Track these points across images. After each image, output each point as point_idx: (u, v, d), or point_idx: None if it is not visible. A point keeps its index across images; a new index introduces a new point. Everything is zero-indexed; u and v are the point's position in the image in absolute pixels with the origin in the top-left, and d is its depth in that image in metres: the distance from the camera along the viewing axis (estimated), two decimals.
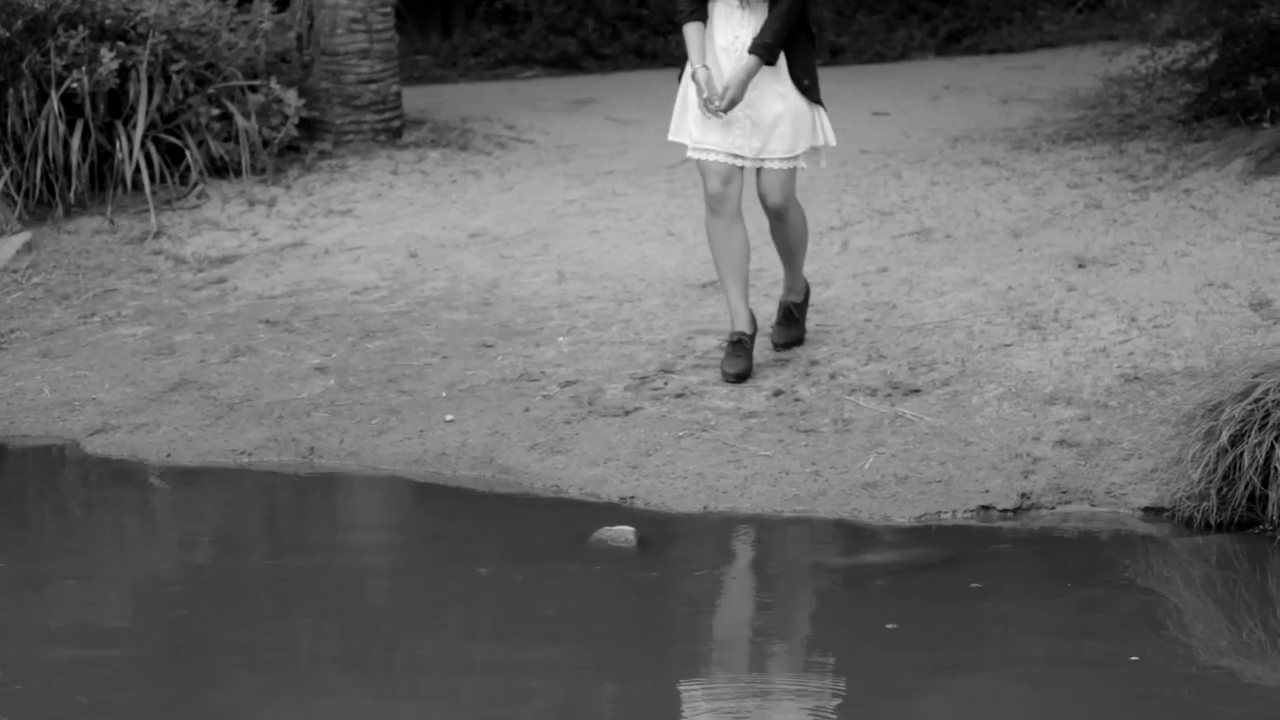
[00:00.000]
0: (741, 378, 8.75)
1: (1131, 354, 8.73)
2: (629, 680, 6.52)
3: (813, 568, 7.52)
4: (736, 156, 8.48)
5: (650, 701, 6.27)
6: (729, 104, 8.35)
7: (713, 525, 7.93)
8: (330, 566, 7.76)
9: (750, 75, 8.35)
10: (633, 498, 8.15)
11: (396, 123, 12.59)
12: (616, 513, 8.02)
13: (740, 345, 8.79)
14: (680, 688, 6.42)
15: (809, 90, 8.45)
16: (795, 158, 8.50)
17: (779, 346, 9.04)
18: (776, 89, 8.43)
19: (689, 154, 8.58)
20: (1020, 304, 9.32)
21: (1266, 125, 10.73)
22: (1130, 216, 10.19)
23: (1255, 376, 7.65)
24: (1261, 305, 8.98)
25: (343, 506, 8.47)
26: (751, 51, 8.35)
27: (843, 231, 10.50)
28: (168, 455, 8.87)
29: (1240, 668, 6.52)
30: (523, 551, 7.73)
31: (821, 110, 8.55)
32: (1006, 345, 8.94)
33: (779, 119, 8.42)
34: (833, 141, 8.62)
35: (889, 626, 6.83)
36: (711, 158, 8.50)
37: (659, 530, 7.88)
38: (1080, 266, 9.63)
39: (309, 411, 9.02)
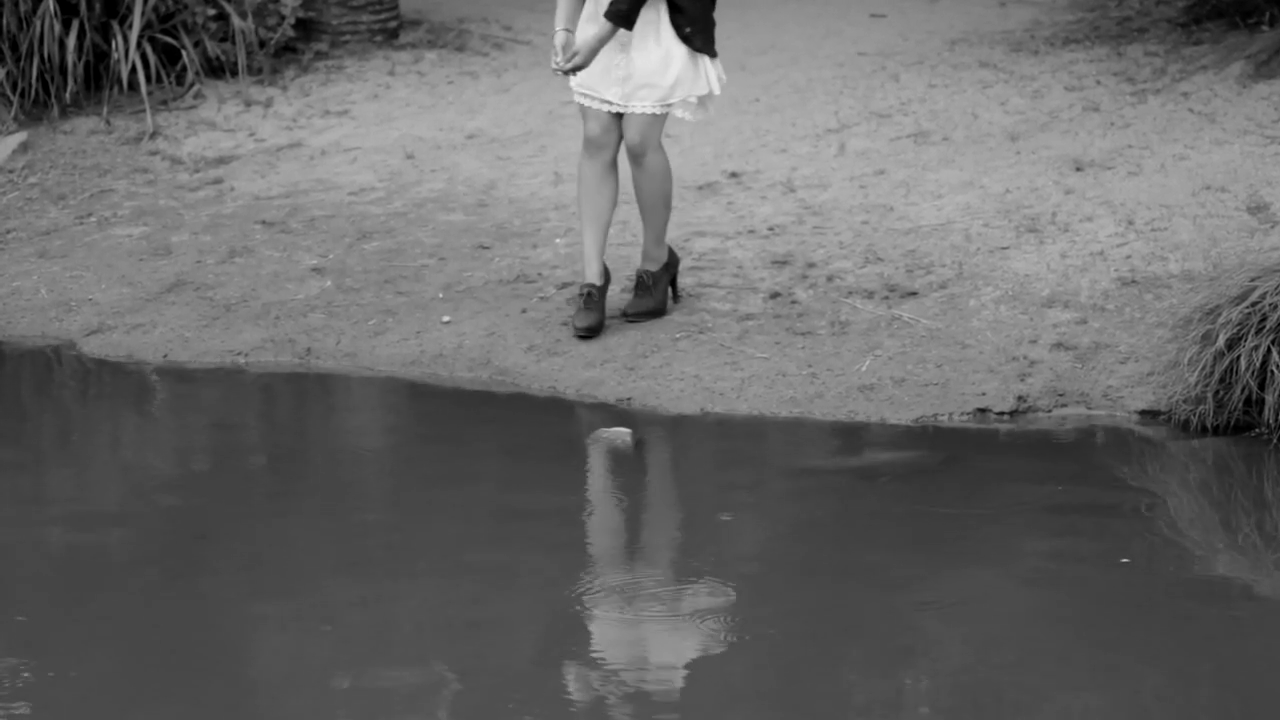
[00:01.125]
0: (592, 332, 8.47)
1: (1129, 257, 8.68)
2: (625, 578, 6.49)
3: (809, 469, 7.48)
4: (610, 104, 8.29)
5: (646, 599, 6.25)
6: (573, 68, 8.15)
7: (709, 427, 7.90)
8: (326, 465, 7.73)
9: (602, 41, 8.09)
10: (629, 399, 8.12)
11: (393, 23, 12.48)
12: (613, 414, 7.99)
13: (590, 298, 8.49)
14: (677, 585, 6.40)
15: (690, 39, 8.21)
16: (668, 106, 8.28)
17: (627, 317, 8.61)
18: (655, 39, 8.21)
19: (574, 97, 8.40)
20: (1017, 207, 9.26)
21: (1265, 28, 10.64)
22: (1128, 120, 10.12)
23: (1252, 280, 7.61)
24: (1259, 209, 8.93)
25: (339, 407, 8.44)
26: (605, 15, 8.17)
27: (840, 134, 10.42)
28: (164, 356, 8.83)
29: (1234, 571, 6.50)
30: (519, 452, 7.70)
31: (707, 59, 8.29)
32: (1004, 248, 8.89)
33: (654, 70, 8.21)
34: (717, 91, 8.32)
35: (884, 527, 6.81)
36: (590, 103, 8.34)
37: (656, 431, 7.85)
38: (1078, 170, 9.56)
39: (306, 312, 8.97)
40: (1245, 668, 5.67)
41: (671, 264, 8.62)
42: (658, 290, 8.58)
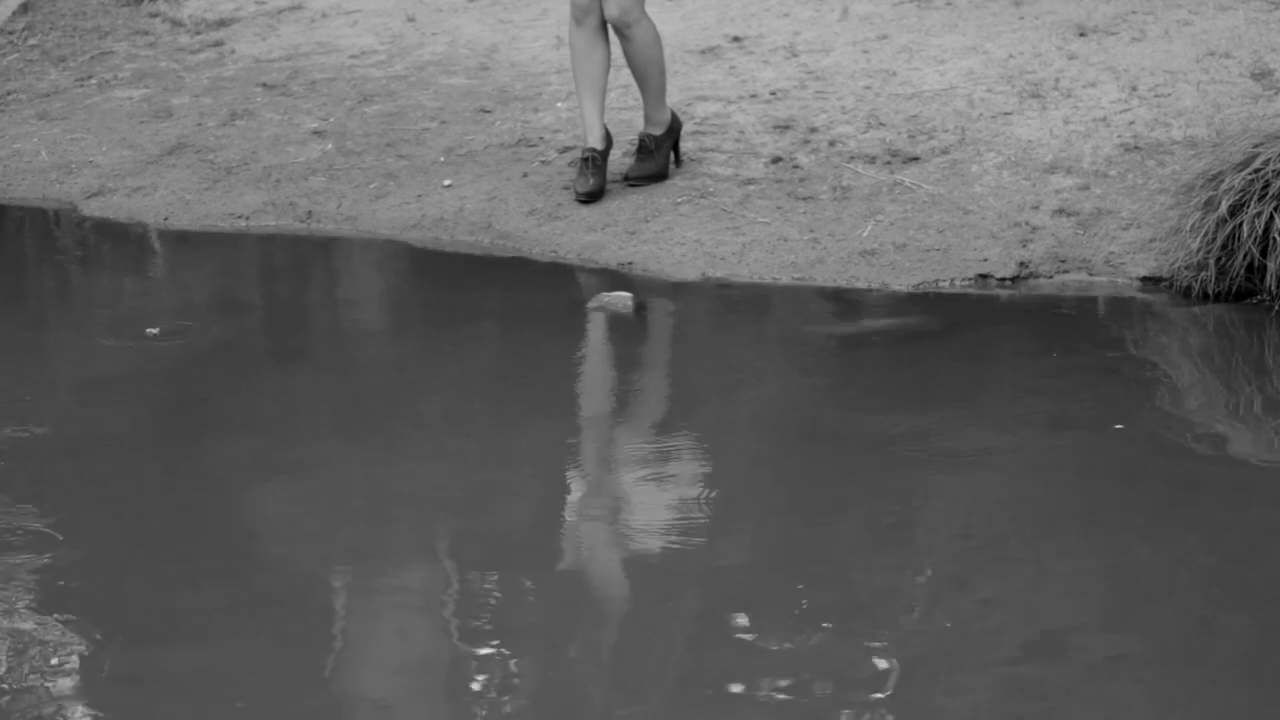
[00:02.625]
0: (592, 196, 8.37)
1: (1132, 123, 8.58)
2: (625, 442, 6.46)
3: (809, 334, 7.43)
4: None
5: (644, 462, 6.21)
6: None
7: (710, 291, 7.84)
8: (327, 328, 7.68)
9: None
10: (630, 264, 8.05)
11: None
12: (614, 278, 7.92)
13: (589, 162, 8.37)
14: (675, 448, 6.35)
15: None
16: None
17: (629, 181, 8.51)
18: None
19: None
20: (1020, 72, 9.14)
21: None
22: None
23: (1256, 146, 7.52)
24: (1263, 75, 8.82)
25: (340, 270, 8.37)
26: None
27: None
28: (165, 218, 8.75)
29: (1233, 437, 6.45)
30: (520, 316, 7.65)
31: None
32: (1006, 114, 8.79)
33: None
34: None
35: (883, 391, 6.76)
36: None
37: (657, 296, 7.79)
38: (1081, 35, 9.44)
39: (307, 175, 8.89)
40: (1241, 533, 5.64)
41: (674, 128, 8.52)
42: (659, 154, 8.50)
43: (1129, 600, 5.20)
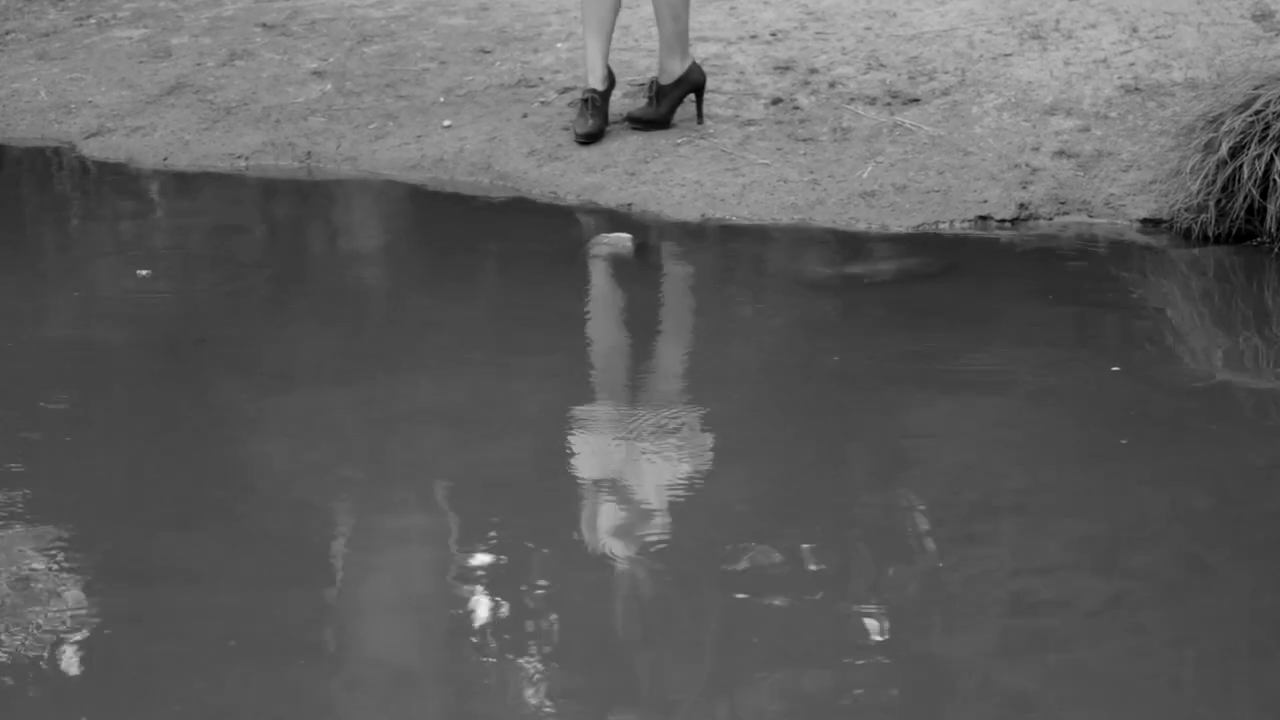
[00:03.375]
0: (591, 138, 8.30)
1: (1132, 65, 8.53)
2: (622, 384, 6.43)
3: (809, 275, 7.39)
4: None
5: (641, 404, 6.18)
6: None
7: (710, 233, 7.80)
8: (326, 268, 7.65)
9: None
10: (630, 205, 8.01)
11: None
12: (614, 219, 7.89)
13: (589, 104, 8.31)
14: (672, 391, 6.33)
15: None
16: None
17: (628, 119, 8.43)
18: None
19: None
20: (1021, 13, 9.09)
21: None
22: None
23: (1256, 88, 7.47)
24: (1264, 17, 8.77)
25: (340, 210, 8.33)
26: None
27: None
28: (164, 159, 8.71)
29: (1233, 378, 6.42)
30: (520, 257, 7.61)
31: None
32: (1007, 55, 8.74)
33: None
34: None
35: (883, 333, 6.73)
36: None
37: (656, 237, 7.75)
38: None
39: (306, 116, 8.84)
40: (1239, 473, 5.62)
41: (687, 80, 8.41)
42: (663, 104, 8.43)
43: (1126, 540, 5.18)
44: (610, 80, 8.35)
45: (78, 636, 4.67)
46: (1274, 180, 7.27)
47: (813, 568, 5.03)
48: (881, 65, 8.76)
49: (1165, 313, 7.02)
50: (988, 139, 8.15)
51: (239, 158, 8.63)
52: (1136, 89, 8.37)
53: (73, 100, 9.20)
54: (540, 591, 4.93)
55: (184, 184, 8.52)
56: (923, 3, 9.34)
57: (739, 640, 4.65)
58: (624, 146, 8.31)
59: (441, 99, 8.86)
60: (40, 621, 4.72)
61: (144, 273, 7.37)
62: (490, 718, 4.35)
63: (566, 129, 8.45)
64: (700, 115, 8.46)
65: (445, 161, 8.44)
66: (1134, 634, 4.67)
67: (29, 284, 7.44)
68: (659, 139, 8.34)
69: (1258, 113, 7.34)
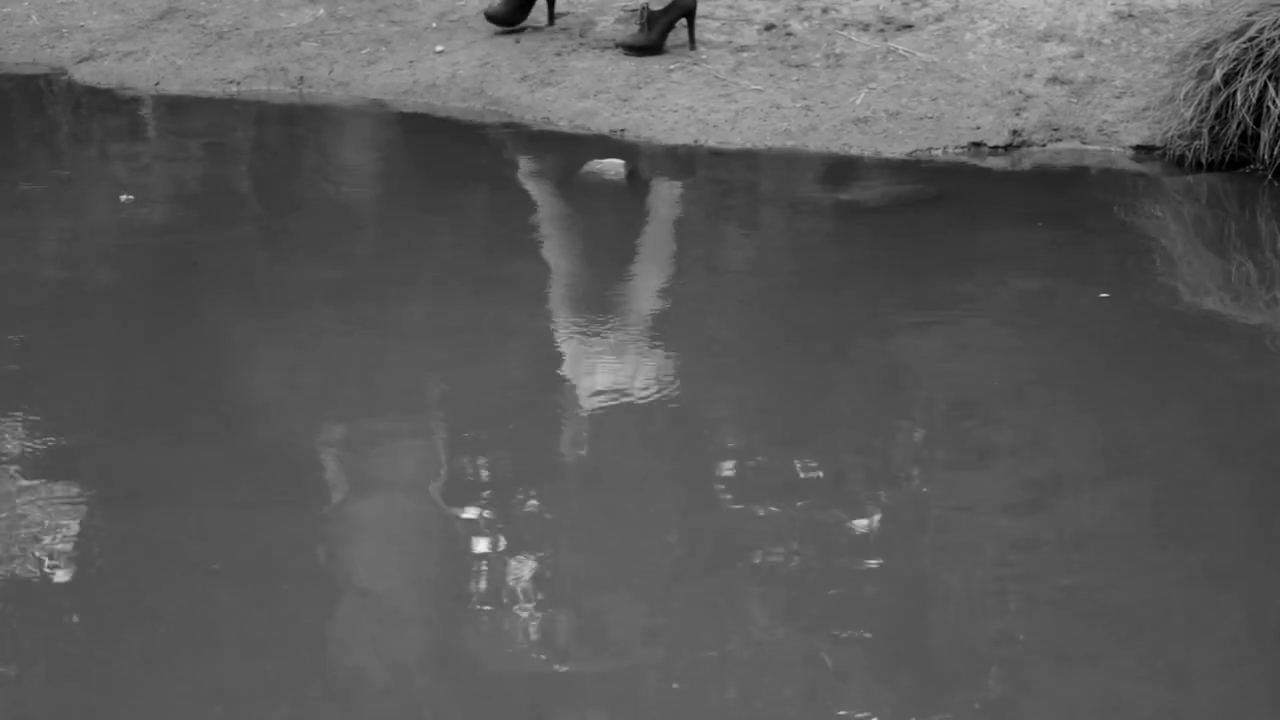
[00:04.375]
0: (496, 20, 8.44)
1: None
2: (618, 304, 6.38)
3: (802, 201, 7.34)
4: None
5: (636, 323, 6.14)
6: None
7: (703, 159, 7.74)
8: (318, 194, 7.60)
9: None
10: (623, 130, 7.96)
11: None
12: (607, 145, 7.83)
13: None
14: (669, 311, 6.28)
15: None
16: None
17: (619, 46, 8.41)
18: None
19: None
20: None
21: None
22: None
23: (1250, 15, 7.40)
24: None
25: (332, 136, 8.27)
26: None
27: None
28: (156, 84, 8.64)
29: (1223, 305, 6.38)
30: (513, 182, 7.56)
31: None
32: None
33: None
34: None
35: (875, 259, 6.69)
36: None
37: (649, 163, 7.70)
38: None
39: (298, 41, 8.77)
40: (1229, 399, 5.59)
41: (679, 6, 8.34)
42: (655, 29, 8.36)
43: (1116, 463, 5.15)
44: None
45: (65, 556, 4.64)
46: (1267, 107, 7.22)
47: (802, 492, 4.99)
48: None
49: (1157, 239, 6.98)
50: (981, 65, 8.09)
51: (231, 83, 8.57)
52: (1130, 15, 8.30)
53: (64, 25, 9.12)
54: (530, 510, 4.90)
55: (175, 109, 8.45)
56: None
57: (728, 561, 4.63)
58: (616, 72, 8.25)
59: (434, 24, 8.79)
60: (27, 540, 4.69)
61: (127, 197, 7.31)
62: (478, 641, 4.32)
63: (559, 54, 8.39)
64: (693, 41, 8.39)
65: (438, 87, 8.37)
66: (1123, 559, 4.65)
67: (19, 209, 7.39)
68: (651, 64, 8.28)
69: (1251, 39, 7.28)
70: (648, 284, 6.65)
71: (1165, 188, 7.36)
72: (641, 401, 5.56)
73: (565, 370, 5.84)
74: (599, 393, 5.67)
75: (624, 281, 6.65)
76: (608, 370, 5.85)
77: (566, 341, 6.05)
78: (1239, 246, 6.92)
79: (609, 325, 6.19)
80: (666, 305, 6.39)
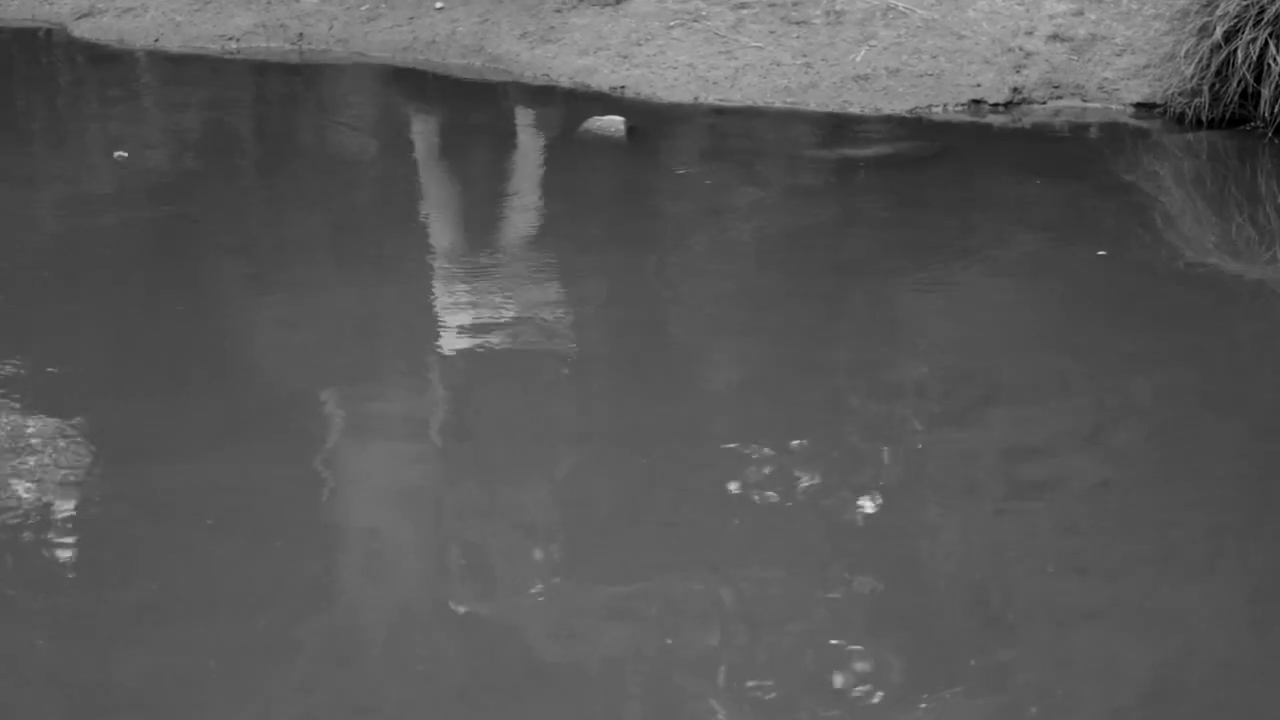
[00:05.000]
0: None
1: None
2: (617, 260, 6.35)
3: (802, 158, 7.31)
4: None
5: (632, 280, 6.11)
6: None
7: (703, 116, 7.71)
8: (317, 151, 7.56)
9: None
10: (623, 88, 7.91)
11: None
12: (607, 102, 7.79)
13: None
14: (667, 265, 6.25)
15: None
16: None
17: None
18: None
19: None
20: None
21: None
22: None
23: None
24: None
25: (331, 93, 8.23)
26: None
27: None
28: (155, 40, 8.60)
29: (1222, 261, 6.35)
30: (512, 139, 7.52)
31: None
32: None
33: None
34: None
35: (875, 216, 6.66)
36: None
37: (649, 120, 7.66)
38: None
39: None
40: (1227, 356, 5.56)
41: None
42: None
43: (1115, 421, 5.13)
44: None
45: (62, 511, 4.62)
46: (1268, 65, 7.17)
47: (801, 446, 4.97)
48: None
49: (1157, 197, 6.94)
50: (981, 23, 8.05)
51: (230, 39, 8.52)
52: None
53: None
54: (525, 473, 4.87)
55: (175, 66, 8.41)
56: None
57: (723, 513, 4.60)
58: (616, 29, 8.21)
59: None
60: (25, 495, 4.67)
61: (121, 154, 7.28)
62: (472, 599, 4.30)
63: (559, 11, 8.35)
64: None
65: (437, 44, 8.33)
66: (1123, 514, 4.62)
67: (16, 163, 7.35)
68: (652, 22, 8.23)
69: None
70: (644, 243, 6.61)
71: (1165, 145, 7.33)
72: (635, 360, 5.54)
73: (558, 330, 5.80)
74: (595, 352, 5.64)
75: (621, 240, 6.61)
76: (603, 327, 5.82)
77: (562, 301, 6.01)
78: (1239, 204, 6.88)
79: (606, 282, 6.15)
80: (663, 264, 6.35)
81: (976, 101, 7.66)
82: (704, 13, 8.29)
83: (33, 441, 4.96)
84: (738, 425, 5.10)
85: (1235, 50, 7.22)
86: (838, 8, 8.23)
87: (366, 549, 4.53)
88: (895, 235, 6.45)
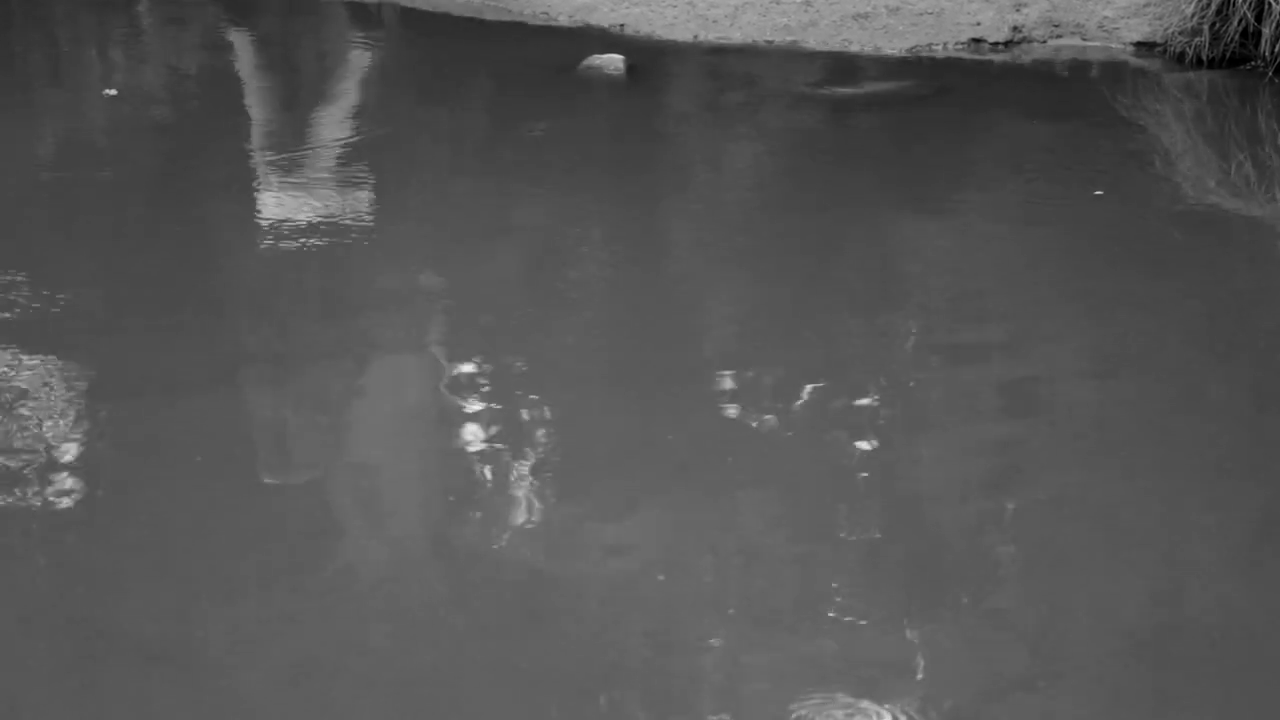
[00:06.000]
0: None
1: None
2: (612, 200, 6.31)
3: (801, 96, 7.26)
4: None
5: (632, 218, 6.08)
6: None
7: (702, 54, 7.65)
8: (314, 89, 7.51)
9: None
10: (623, 26, 7.86)
11: None
12: (606, 40, 7.74)
13: None
14: (665, 205, 6.21)
15: None
16: None
17: None
18: None
19: None
20: None
21: None
22: None
23: None
24: None
25: (330, 31, 8.18)
26: None
27: None
28: None
29: (1221, 201, 6.31)
30: (512, 78, 7.47)
31: None
32: None
33: None
34: None
35: (873, 154, 6.61)
36: None
37: (648, 58, 7.60)
38: None
39: None
40: (1227, 295, 5.52)
41: None
42: None
43: (1113, 362, 5.09)
44: None
45: (58, 449, 4.59)
46: (1269, 3, 7.12)
47: (798, 383, 4.94)
48: None
49: (1157, 136, 6.89)
50: None
51: None
52: None
53: None
54: (527, 403, 4.84)
55: (171, 1, 8.36)
56: None
57: (719, 452, 4.58)
58: None
59: None
60: (19, 433, 4.64)
61: (110, 91, 7.22)
62: (467, 537, 4.27)
63: None
64: None
65: None
66: (1118, 457, 4.59)
67: (9, 101, 7.30)
68: None
69: None
70: (642, 179, 6.57)
71: (1165, 84, 7.27)
72: (632, 297, 5.50)
73: (554, 264, 5.76)
74: (590, 285, 5.60)
75: (620, 175, 6.56)
76: (598, 262, 5.79)
77: (560, 237, 5.96)
78: (1240, 143, 6.83)
79: (603, 217, 6.11)
80: (661, 199, 6.32)
81: (976, 40, 7.61)
82: None
83: (25, 377, 4.92)
84: (734, 359, 5.07)
85: None
86: None
87: (360, 486, 4.50)
88: (894, 173, 6.40)
